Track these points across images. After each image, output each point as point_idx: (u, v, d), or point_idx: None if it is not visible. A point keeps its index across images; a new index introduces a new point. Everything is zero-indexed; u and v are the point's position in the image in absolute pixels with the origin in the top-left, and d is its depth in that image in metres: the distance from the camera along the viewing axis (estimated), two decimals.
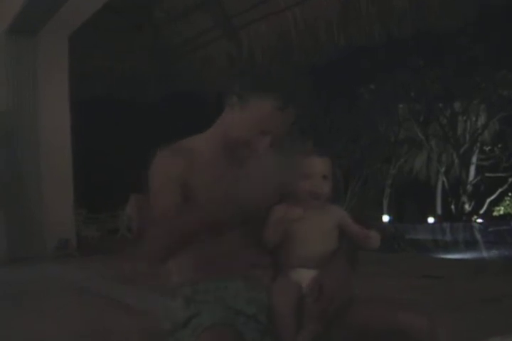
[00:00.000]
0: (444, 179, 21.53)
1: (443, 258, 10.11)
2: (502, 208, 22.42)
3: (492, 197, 20.96)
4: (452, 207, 21.12)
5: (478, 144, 20.97)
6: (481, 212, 20.90)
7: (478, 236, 17.06)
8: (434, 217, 21.64)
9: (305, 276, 1.80)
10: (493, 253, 13.80)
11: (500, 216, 21.78)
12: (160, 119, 15.72)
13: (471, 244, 15.86)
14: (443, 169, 21.58)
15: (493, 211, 22.01)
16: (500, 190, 20.88)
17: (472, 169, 21.11)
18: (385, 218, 21.44)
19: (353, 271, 1.86)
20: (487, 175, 20.81)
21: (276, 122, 1.80)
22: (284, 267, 1.84)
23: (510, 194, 22.09)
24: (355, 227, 1.87)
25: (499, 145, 20.98)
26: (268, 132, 1.79)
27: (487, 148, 21.21)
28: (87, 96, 11.86)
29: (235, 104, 1.80)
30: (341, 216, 1.90)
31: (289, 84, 1.80)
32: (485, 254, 14.09)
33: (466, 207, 20.82)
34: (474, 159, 21.08)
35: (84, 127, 10.04)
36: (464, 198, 20.76)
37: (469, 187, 20.85)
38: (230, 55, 10.96)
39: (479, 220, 20.22)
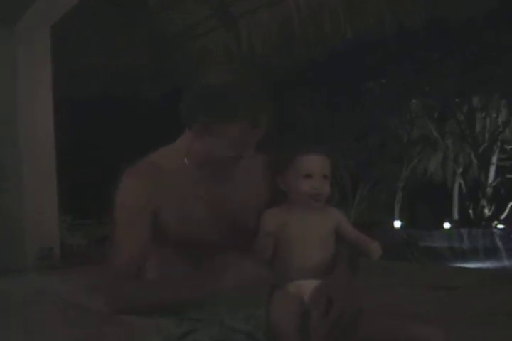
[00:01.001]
0: (462, 181, 21.53)
1: (460, 268, 10.10)
2: None
3: None
4: (470, 211, 21.12)
5: (499, 143, 20.97)
6: (502, 216, 20.89)
7: (499, 243, 17.06)
8: (451, 222, 21.62)
9: (306, 287, 1.79)
10: None
11: None
12: (155, 117, 15.74)
13: (491, 252, 15.85)
14: (460, 170, 21.59)
15: None
16: None
17: (492, 170, 21.11)
18: (397, 224, 21.44)
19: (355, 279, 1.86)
20: (508, 176, 20.82)
21: (249, 139, 1.80)
22: (282, 278, 1.83)
23: None
24: (354, 233, 1.87)
25: None
26: (241, 150, 1.79)
27: (508, 147, 21.21)
28: (76, 93, 11.87)
29: (199, 131, 1.79)
30: (339, 218, 1.90)
31: (258, 100, 1.78)
32: (507, 263, 14.10)
33: (486, 211, 20.82)
34: (494, 159, 21.08)
35: (71, 126, 10.06)
36: (484, 202, 20.76)
37: (489, 190, 20.86)
38: (227, 48, 10.96)
39: (500, 226, 20.21)
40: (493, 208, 20.88)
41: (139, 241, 1.75)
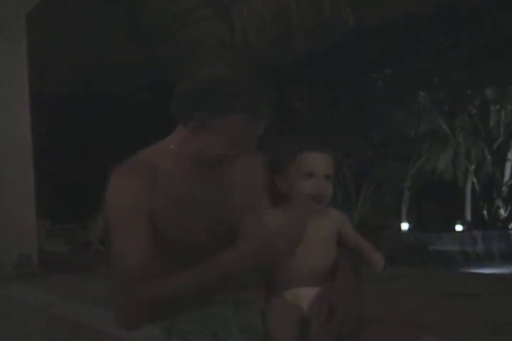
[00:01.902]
0: (474, 179, 21.58)
1: (474, 273, 10.12)
2: None
3: None
4: (484, 212, 21.16)
5: None
6: None
7: None
8: (463, 224, 21.68)
9: (305, 295, 1.79)
10: None
11: None
12: (141, 114, 15.73)
13: (507, 256, 15.89)
14: (472, 167, 21.63)
15: None
16: None
17: (508, 167, 21.16)
18: (404, 226, 21.48)
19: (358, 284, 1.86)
20: None
21: (249, 136, 1.80)
22: (279, 286, 1.82)
23: None
24: (355, 239, 1.86)
25: None
26: (240, 148, 1.79)
27: None
28: (54, 89, 11.87)
29: (195, 128, 1.78)
30: (341, 221, 1.89)
31: (255, 93, 1.78)
32: None
33: (502, 212, 20.88)
34: (510, 155, 21.13)
35: (49, 125, 10.05)
36: (499, 202, 20.81)
37: (504, 189, 20.91)
38: (220, 38, 10.97)
39: None
40: (509, 208, 20.93)
41: (143, 240, 1.75)
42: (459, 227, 21.45)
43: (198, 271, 1.69)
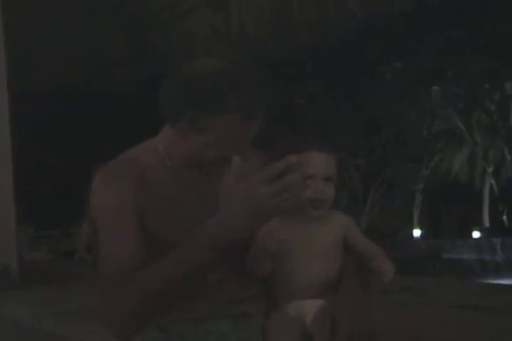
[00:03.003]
0: (493, 181, 21.59)
1: (492, 284, 10.11)
2: None
3: None
4: (504, 217, 21.18)
5: None
6: None
7: None
8: (481, 230, 21.67)
9: (309, 308, 1.78)
10: None
11: None
12: (128, 112, 15.71)
13: None
14: (491, 169, 21.65)
15: None
16: None
17: None
18: (416, 232, 21.48)
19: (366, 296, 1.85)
20: None
21: (240, 135, 1.80)
22: (280, 298, 1.82)
23: None
24: (364, 245, 1.85)
25: None
26: (233, 150, 1.79)
27: None
28: (36, 87, 11.88)
29: (184, 129, 1.79)
30: (347, 225, 1.88)
31: (251, 90, 1.79)
32: None
33: None
34: None
35: (30, 123, 10.05)
36: None
37: None
38: (216, 29, 10.99)
39: None
40: None
41: (131, 240, 1.76)
42: (476, 234, 21.44)
43: (175, 252, 1.70)
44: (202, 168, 1.85)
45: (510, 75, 19.69)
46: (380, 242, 1.87)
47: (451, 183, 22.76)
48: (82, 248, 12.01)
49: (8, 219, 8.90)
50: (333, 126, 18.00)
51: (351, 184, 19.72)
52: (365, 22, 10.86)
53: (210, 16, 11.02)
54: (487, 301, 6.00)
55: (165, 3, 11.40)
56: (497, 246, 18.51)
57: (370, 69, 19.00)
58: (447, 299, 6.34)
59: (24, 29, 10.30)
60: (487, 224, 22.08)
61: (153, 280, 1.69)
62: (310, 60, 16.50)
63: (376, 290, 1.93)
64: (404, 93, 19.34)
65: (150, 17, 11.73)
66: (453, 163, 23.25)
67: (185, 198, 1.84)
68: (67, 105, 15.20)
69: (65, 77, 12.59)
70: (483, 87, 20.46)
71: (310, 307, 1.78)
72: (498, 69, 18.93)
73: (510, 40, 18.02)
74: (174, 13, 11.49)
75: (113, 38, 12.22)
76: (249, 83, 1.78)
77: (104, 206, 1.81)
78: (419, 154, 21.14)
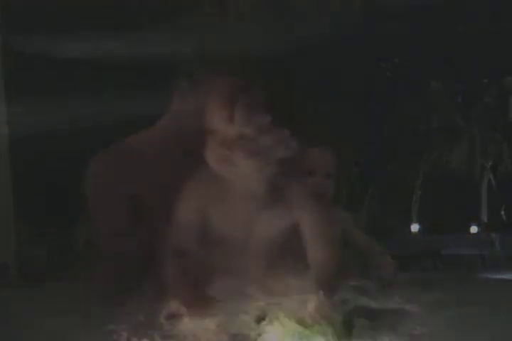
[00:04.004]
0: (491, 176, 21.59)
1: (491, 279, 10.12)
2: None
3: None
4: (502, 212, 21.16)
5: None
6: None
7: None
8: (479, 225, 21.70)
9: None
10: None
11: None
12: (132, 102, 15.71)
13: None
14: (489, 164, 21.64)
15: None
16: None
17: None
18: (414, 227, 21.50)
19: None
20: None
21: (242, 106, 1.80)
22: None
23: None
24: (363, 241, 1.87)
25: None
26: (235, 121, 1.80)
27: None
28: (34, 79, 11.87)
29: (186, 89, 1.80)
30: (346, 221, 1.90)
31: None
32: None
33: None
34: None
35: (29, 117, 10.00)
36: None
37: None
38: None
39: None
40: None
41: (124, 222, 1.79)
42: (474, 229, 21.47)
43: None
44: (192, 155, 1.88)
45: (509, 70, 19.68)
46: (379, 238, 1.89)
47: (450, 178, 22.79)
48: (81, 245, 12.00)
49: (6, 215, 8.91)
50: (332, 122, 18.01)
51: (350, 180, 19.75)
52: (365, 16, 10.87)
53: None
54: (486, 296, 6.00)
55: None
56: (496, 242, 18.54)
57: (369, 65, 18.99)
58: (445, 294, 6.34)
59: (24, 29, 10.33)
60: (485, 219, 22.10)
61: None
62: (308, 55, 16.50)
63: (378, 288, 1.94)
64: (403, 88, 19.34)
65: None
66: (451, 158, 23.28)
67: (178, 184, 1.86)
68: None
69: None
70: (482, 82, 20.44)
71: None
72: (497, 64, 18.92)
73: (508, 35, 18.01)
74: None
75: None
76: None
77: (100, 193, 1.84)
78: (417, 149, 21.16)
